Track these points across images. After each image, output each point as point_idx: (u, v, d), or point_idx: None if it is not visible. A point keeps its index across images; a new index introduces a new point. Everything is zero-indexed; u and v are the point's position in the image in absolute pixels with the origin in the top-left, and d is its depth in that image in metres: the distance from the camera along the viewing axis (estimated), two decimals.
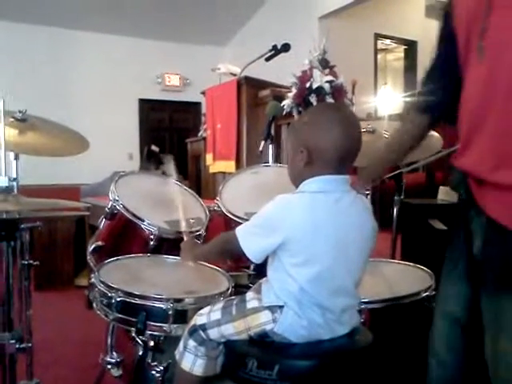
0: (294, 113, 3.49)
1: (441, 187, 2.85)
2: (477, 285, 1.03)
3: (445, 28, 1.16)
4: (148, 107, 8.80)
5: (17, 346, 1.75)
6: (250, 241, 1.20)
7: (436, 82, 1.22)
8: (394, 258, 2.34)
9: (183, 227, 1.73)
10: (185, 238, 1.67)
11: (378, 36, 7.59)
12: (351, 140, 1.20)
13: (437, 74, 1.21)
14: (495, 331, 0.97)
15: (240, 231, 1.22)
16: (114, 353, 1.67)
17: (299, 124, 1.30)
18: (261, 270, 1.29)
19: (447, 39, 1.13)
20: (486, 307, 1.00)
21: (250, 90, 4.15)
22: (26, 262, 1.91)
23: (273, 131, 2.50)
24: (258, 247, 1.20)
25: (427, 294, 1.56)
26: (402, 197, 2.52)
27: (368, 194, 2.33)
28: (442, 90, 1.19)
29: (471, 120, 1.03)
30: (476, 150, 1.00)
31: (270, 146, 2.46)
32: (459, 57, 1.09)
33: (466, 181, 1.06)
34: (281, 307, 1.20)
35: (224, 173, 4.34)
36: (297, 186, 1.26)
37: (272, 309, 1.21)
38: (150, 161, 7.50)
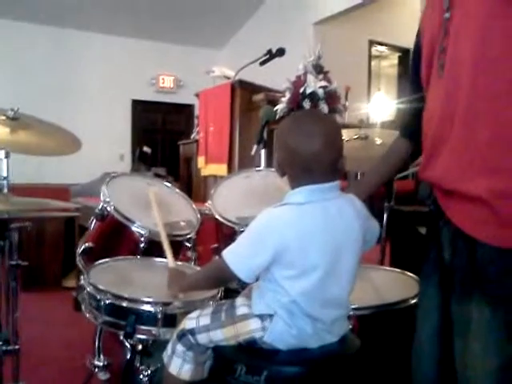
0: None
1: None
2: (449, 294, 1.06)
3: (416, 45, 1.22)
4: (141, 108, 8.77)
5: (3, 348, 1.73)
6: (240, 262, 1.16)
7: (408, 95, 1.29)
8: (383, 264, 2.35)
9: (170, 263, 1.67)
10: (169, 262, 1.65)
11: (372, 43, 7.64)
12: (321, 151, 1.15)
13: (410, 88, 1.27)
14: (464, 334, 1.00)
15: (228, 254, 1.18)
16: (102, 356, 1.66)
17: (275, 136, 1.29)
18: None
19: (418, 55, 1.20)
20: (456, 313, 1.03)
21: (244, 93, 4.15)
22: (15, 263, 1.89)
23: (266, 136, 2.50)
24: (249, 267, 1.16)
25: (415, 301, 1.56)
26: (391, 204, 2.53)
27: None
28: (414, 110, 1.24)
29: (435, 133, 1.06)
30: (441, 163, 1.03)
31: (263, 151, 2.46)
32: (421, 73, 1.16)
33: (433, 193, 1.10)
34: (271, 316, 1.20)
35: (216, 176, 4.34)
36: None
37: (262, 317, 1.21)
38: (142, 162, 7.48)
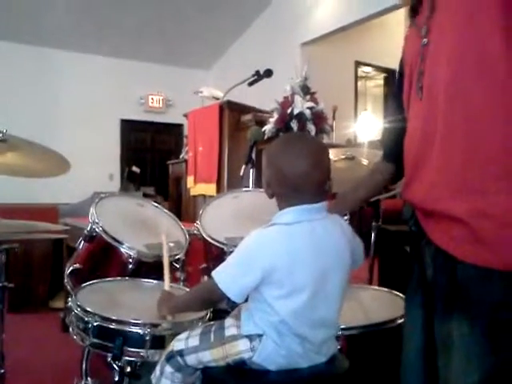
0: None
1: None
2: (432, 313, 1.08)
3: (401, 66, 1.26)
4: (130, 128, 8.78)
5: None
6: (230, 282, 1.17)
7: (392, 115, 1.31)
8: (371, 283, 2.36)
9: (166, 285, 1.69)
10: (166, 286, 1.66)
11: (358, 63, 7.76)
12: (310, 172, 1.18)
13: (395, 108, 1.29)
14: (446, 351, 1.02)
15: (217, 274, 1.19)
16: (89, 378, 1.64)
17: (263, 157, 1.30)
18: None
19: (402, 76, 1.23)
20: (438, 331, 1.05)
21: (233, 114, 4.19)
22: (1, 285, 1.87)
23: (254, 156, 2.52)
24: (239, 287, 1.17)
25: (402, 320, 1.57)
26: (379, 223, 2.56)
27: (346, 220, 2.36)
28: (398, 130, 1.26)
29: (416, 155, 1.09)
30: (421, 184, 1.06)
31: (251, 171, 2.48)
32: (403, 93, 1.19)
33: (415, 213, 1.12)
34: (260, 336, 1.20)
35: (205, 196, 4.35)
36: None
37: (251, 337, 1.21)
38: (131, 182, 7.48)
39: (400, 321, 1.57)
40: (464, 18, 0.98)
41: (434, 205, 1.02)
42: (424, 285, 1.11)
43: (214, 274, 1.20)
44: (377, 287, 2.08)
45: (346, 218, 2.39)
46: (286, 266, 1.16)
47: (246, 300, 1.26)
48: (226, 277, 1.18)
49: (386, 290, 1.95)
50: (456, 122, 0.98)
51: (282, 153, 1.21)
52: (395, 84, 1.32)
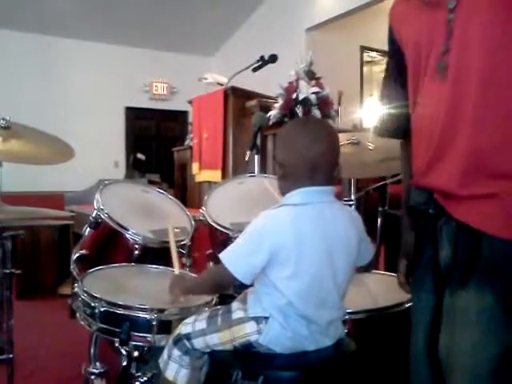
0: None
1: None
2: (441, 296, 1.07)
3: (395, 44, 1.20)
4: (134, 115, 8.77)
5: None
6: (237, 262, 1.19)
7: (393, 90, 1.25)
8: (377, 268, 2.36)
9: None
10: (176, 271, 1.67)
11: (363, 48, 7.68)
12: (325, 153, 1.22)
13: (396, 92, 1.24)
14: (454, 323, 1.02)
15: (225, 255, 1.20)
16: (98, 363, 1.65)
17: (277, 139, 1.32)
18: None
19: (397, 54, 1.18)
20: (448, 303, 1.04)
21: (237, 100, 4.16)
22: (8, 271, 1.89)
23: (259, 141, 2.51)
24: (246, 267, 1.19)
25: (410, 304, 1.56)
26: (385, 208, 2.55)
27: (352, 205, 2.35)
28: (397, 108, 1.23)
29: (438, 140, 1.03)
30: (445, 169, 1.02)
31: (256, 157, 2.47)
32: (409, 76, 1.13)
33: (433, 197, 1.08)
34: (266, 318, 1.21)
35: (210, 182, 4.34)
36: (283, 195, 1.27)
37: (257, 320, 1.22)
38: (136, 169, 7.48)
39: (407, 305, 1.56)
40: None
41: (460, 189, 0.99)
42: (435, 269, 1.09)
43: (221, 255, 1.21)
44: (383, 272, 2.07)
45: (351, 203, 2.39)
46: (293, 245, 1.17)
47: (253, 285, 1.26)
48: (234, 258, 1.20)
49: (393, 274, 1.94)
50: (490, 110, 0.96)
51: (300, 134, 1.24)
52: (391, 67, 1.26)
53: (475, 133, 0.97)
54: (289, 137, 1.27)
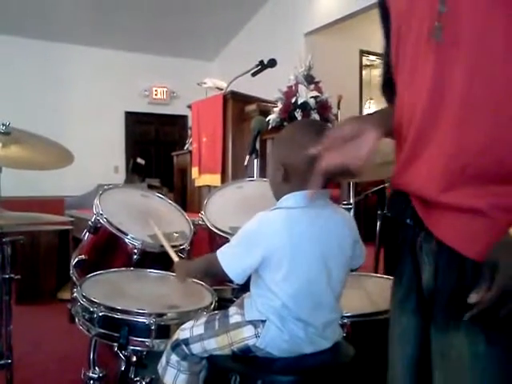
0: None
1: None
2: (427, 320, 0.88)
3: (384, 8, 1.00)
4: (134, 120, 8.78)
5: None
6: (231, 261, 1.21)
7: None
8: (376, 271, 2.36)
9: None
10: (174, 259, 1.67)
11: (363, 52, 7.70)
12: None
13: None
14: (447, 367, 0.84)
15: (221, 253, 1.22)
16: (97, 368, 1.65)
17: (276, 141, 1.33)
18: (245, 285, 1.30)
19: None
20: (436, 343, 0.86)
21: (236, 104, 4.17)
22: (8, 276, 1.89)
23: (258, 146, 2.52)
24: (239, 267, 1.20)
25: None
26: (384, 211, 2.55)
27: (351, 209, 2.36)
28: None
29: (417, 129, 0.84)
30: (423, 167, 0.84)
31: (255, 161, 2.47)
32: (392, 45, 0.94)
33: (411, 203, 0.89)
34: (263, 322, 1.21)
35: (209, 186, 4.35)
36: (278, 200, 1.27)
37: (255, 323, 1.22)
38: (136, 173, 7.49)
39: None
40: None
41: (440, 194, 0.81)
42: (418, 289, 0.91)
43: (218, 252, 1.23)
44: (382, 275, 2.07)
45: (350, 206, 2.39)
46: (287, 247, 1.17)
47: (249, 290, 1.27)
48: (229, 258, 1.21)
49: (391, 278, 1.94)
50: (479, 88, 0.76)
51: (302, 134, 1.24)
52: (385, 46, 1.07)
53: (462, 121, 0.78)
54: (293, 136, 1.27)
